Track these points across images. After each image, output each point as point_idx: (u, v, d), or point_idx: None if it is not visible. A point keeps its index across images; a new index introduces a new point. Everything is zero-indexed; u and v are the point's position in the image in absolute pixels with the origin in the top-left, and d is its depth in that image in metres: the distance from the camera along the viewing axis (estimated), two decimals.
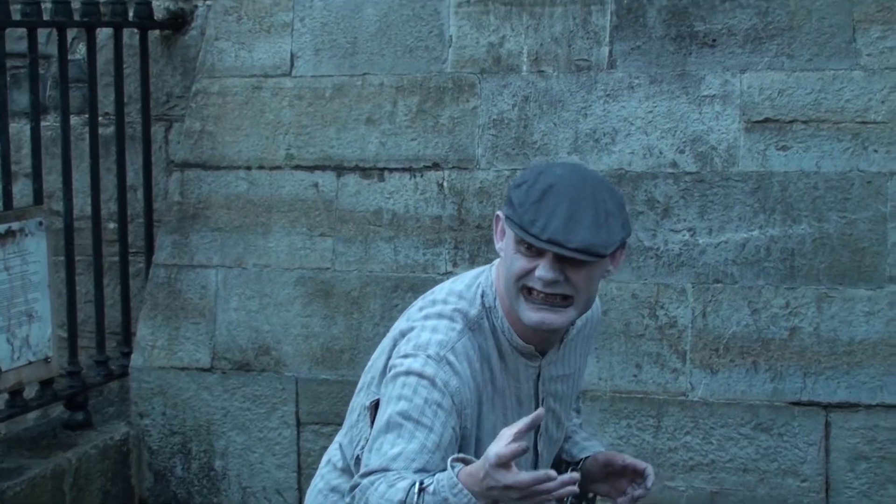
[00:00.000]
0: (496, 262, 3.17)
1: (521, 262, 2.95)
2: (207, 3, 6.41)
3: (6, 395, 5.40)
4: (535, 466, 3.19)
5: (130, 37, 6.27)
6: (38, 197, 5.58)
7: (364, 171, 5.65)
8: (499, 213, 3.06)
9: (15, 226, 5.29)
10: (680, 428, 5.20)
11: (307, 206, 5.69)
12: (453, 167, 5.55)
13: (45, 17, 5.63)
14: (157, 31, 6.50)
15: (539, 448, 3.22)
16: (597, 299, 3.22)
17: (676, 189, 5.28)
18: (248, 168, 5.79)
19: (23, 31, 5.55)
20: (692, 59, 5.33)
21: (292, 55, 5.83)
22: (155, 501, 5.80)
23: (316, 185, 5.67)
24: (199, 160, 5.86)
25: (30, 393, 5.53)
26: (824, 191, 5.13)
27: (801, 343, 5.10)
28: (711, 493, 5.17)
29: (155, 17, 6.39)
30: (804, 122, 5.19)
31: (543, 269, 2.92)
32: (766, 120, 5.23)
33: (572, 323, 3.12)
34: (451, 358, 3.03)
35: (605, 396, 5.26)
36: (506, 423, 2.95)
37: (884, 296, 5.05)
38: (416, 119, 5.63)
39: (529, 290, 2.97)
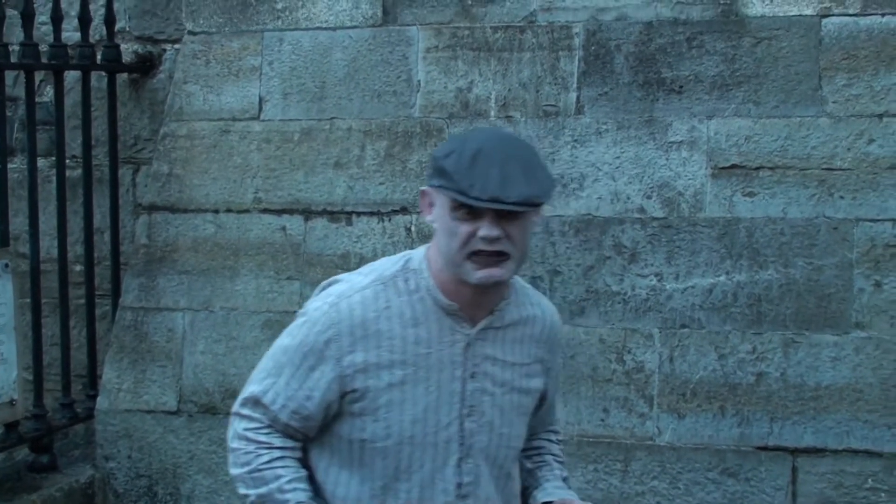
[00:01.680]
0: (424, 246, 3.18)
1: (464, 228, 2.96)
2: (176, 46, 6.39)
3: None
4: (462, 445, 3.11)
5: (98, 80, 6.25)
6: (5, 239, 5.53)
7: (332, 214, 5.62)
8: (424, 188, 3.06)
9: None
10: (647, 472, 5.17)
11: (275, 250, 5.65)
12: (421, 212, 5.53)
13: (13, 59, 5.60)
14: (125, 75, 6.47)
15: (465, 426, 3.11)
16: (556, 312, 3.30)
17: (644, 234, 5.27)
18: (216, 211, 5.75)
19: None
20: (659, 106, 5.34)
21: (260, 99, 5.81)
22: None
23: (284, 228, 5.64)
24: (167, 203, 5.82)
25: None
26: (791, 237, 5.14)
27: (768, 388, 5.09)
28: None
29: (123, 61, 6.36)
30: (771, 169, 5.20)
31: (487, 229, 2.94)
32: (733, 166, 5.23)
33: (507, 291, 3.15)
34: (344, 304, 3.07)
35: (573, 440, 5.22)
36: (416, 382, 3.04)
37: (850, 341, 5.05)
38: (384, 163, 5.61)
39: (476, 252, 2.97)
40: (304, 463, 3.16)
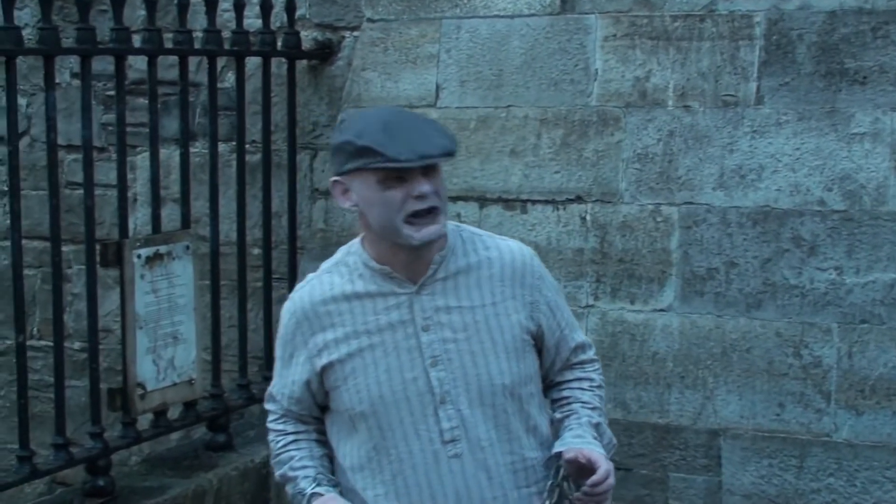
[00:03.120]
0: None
1: (396, 194, 3.18)
2: (355, 34, 6.44)
3: (151, 415, 5.45)
4: (433, 394, 3.29)
5: (278, 66, 6.31)
6: (186, 221, 5.62)
7: (507, 202, 5.63)
8: (337, 178, 3.25)
9: (163, 249, 5.34)
10: (823, 469, 5.10)
11: None
12: (596, 200, 5.51)
13: (196, 45, 5.68)
14: (304, 61, 6.54)
15: (432, 375, 3.29)
16: (520, 250, 3.45)
17: (823, 227, 5.19)
18: None
19: (174, 58, 5.61)
20: (842, 97, 5.25)
21: (437, 86, 5.83)
22: None
23: (458, 215, 5.64)
24: None
25: (173, 414, 5.59)
26: None
27: None
28: None
29: (303, 48, 6.43)
30: None
31: (422, 186, 3.18)
32: None
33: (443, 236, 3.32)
34: (297, 295, 3.41)
35: (747, 435, 5.18)
36: (372, 348, 3.29)
37: None
38: (559, 152, 5.60)
39: (412, 214, 3.19)
40: (325, 442, 3.48)
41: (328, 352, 3.34)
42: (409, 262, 3.29)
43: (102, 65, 5.99)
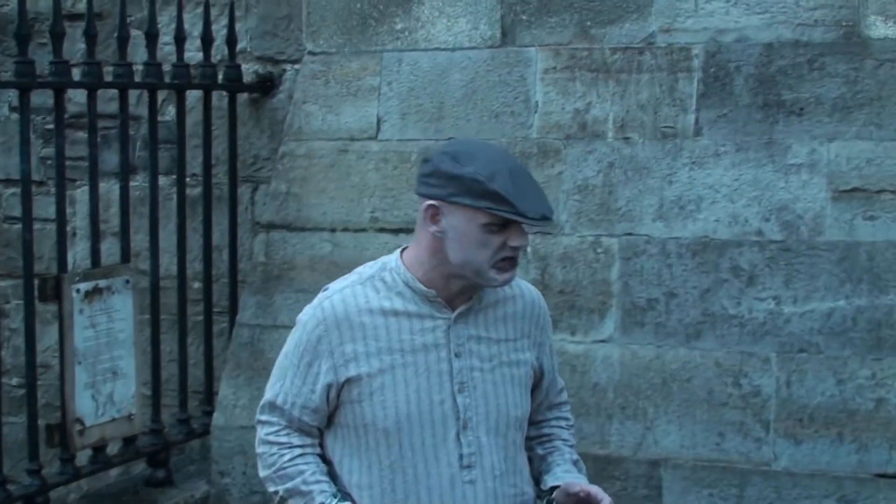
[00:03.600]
0: (398, 250, 3.48)
1: (496, 239, 3.29)
2: (296, 67, 6.46)
3: (89, 451, 5.44)
4: (458, 419, 3.37)
5: (219, 99, 6.32)
6: (126, 255, 5.63)
7: None
8: (433, 202, 3.31)
9: (102, 283, 5.36)
10: (763, 498, 5.12)
11: None
12: (537, 232, 5.52)
13: (137, 78, 5.68)
14: (245, 94, 6.55)
15: (458, 400, 3.37)
16: (537, 292, 3.60)
17: (762, 257, 5.22)
18: (333, 230, 5.78)
19: (114, 92, 5.62)
20: (779, 128, 5.29)
21: (379, 119, 5.84)
22: None
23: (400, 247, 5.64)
24: (285, 221, 5.87)
25: (112, 449, 5.58)
26: None
27: (887, 414, 5.01)
28: None
29: (244, 81, 6.45)
30: (893, 192, 5.13)
31: (520, 239, 3.32)
32: (854, 189, 5.16)
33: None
34: (327, 304, 3.41)
35: (688, 465, 5.19)
36: (404, 366, 3.34)
37: None
38: None
39: (503, 260, 3.32)
40: (324, 458, 3.46)
41: (356, 364, 3.36)
42: (458, 292, 3.39)
43: (42, 98, 5.97)
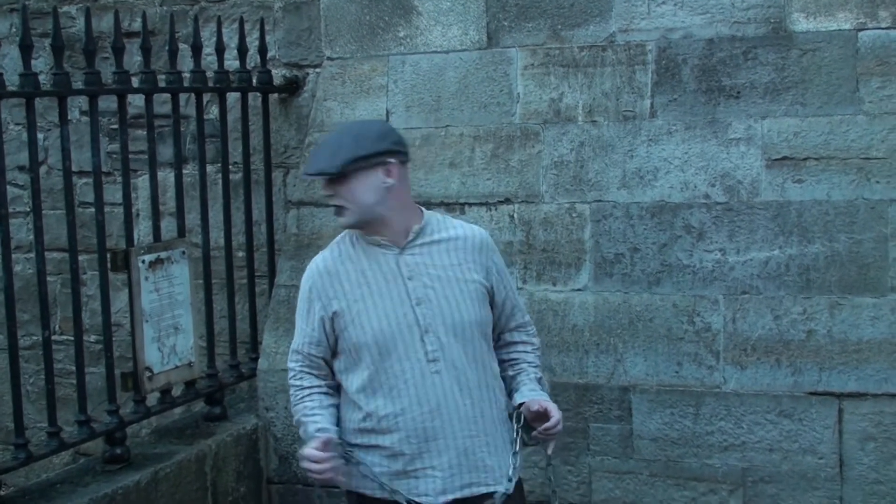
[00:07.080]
0: None
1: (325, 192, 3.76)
2: (317, 70, 6.46)
3: (157, 394, 5.45)
4: (419, 325, 3.69)
5: (254, 99, 6.33)
6: (181, 231, 5.62)
7: (448, 206, 5.66)
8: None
9: (163, 255, 5.34)
10: (715, 415, 5.15)
11: None
12: (522, 201, 5.55)
13: (185, 84, 5.69)
14: (276, 95, 6.56)
15: (417, 311, 3.70)
16: (482, 232, 3.90)
17: (709, 216, 5.25)
18: None
19: (167, 95, 5.61)
20: (721, 109, 5.31)
21: (387, 111, 5.85)
22: (279, 480, 5.81)
23: None
24: (312, 199, 5.89)
25: (176, 392, 5.58)
26: (834, 216, 5.09)
27: (816, 343, 5.05)
28: (742, 470, 5.12)
29: (274, 83, 6.45)
30: (816, 160, 5.15)
31: (322, 190, 3.76)
32: (784, 158, 5.19)
33: (360, 225, 3.77)
34: (312, 265, 3.83)
35: (652, 389, 5.22)
36: (371, 294, 3.71)
37: (887, 303, 4.99)
38: (490, 162, 5.64)
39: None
40: (331, 393, 3.83)
41: (338, 300, 3.73)
42: (385, 234, 3.75)
43: (107, 103, 6.01)
